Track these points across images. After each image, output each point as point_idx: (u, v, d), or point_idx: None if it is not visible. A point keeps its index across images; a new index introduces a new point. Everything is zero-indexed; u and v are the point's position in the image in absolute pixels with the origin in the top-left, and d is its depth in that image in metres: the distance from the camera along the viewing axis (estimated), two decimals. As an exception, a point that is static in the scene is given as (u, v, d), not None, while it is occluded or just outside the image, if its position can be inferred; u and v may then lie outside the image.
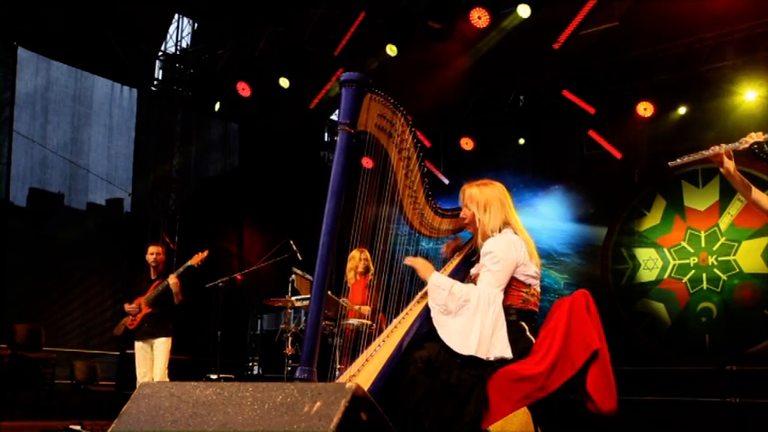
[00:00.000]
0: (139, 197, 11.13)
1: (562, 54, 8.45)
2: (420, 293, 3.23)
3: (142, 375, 6.42)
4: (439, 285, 3.02)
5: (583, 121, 9.70)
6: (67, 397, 8.78)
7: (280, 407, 2.15)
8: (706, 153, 3.23)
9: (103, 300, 10.78)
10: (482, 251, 3.10)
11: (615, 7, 8.20)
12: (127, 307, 6.52)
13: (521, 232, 3.16)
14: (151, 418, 2.31)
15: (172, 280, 6.37)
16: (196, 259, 6.45)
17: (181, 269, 6.44)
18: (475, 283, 3.07)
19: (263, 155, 11.52)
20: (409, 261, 3.20)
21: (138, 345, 6.47)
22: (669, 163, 3.32)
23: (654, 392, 8.05)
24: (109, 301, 10.82)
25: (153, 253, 6.64)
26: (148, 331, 6.43)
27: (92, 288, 10.64)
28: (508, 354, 2.91)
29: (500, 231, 3.14)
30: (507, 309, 3.05)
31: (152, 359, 6.46)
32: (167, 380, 6.16)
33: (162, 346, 6.41)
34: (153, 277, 6.63)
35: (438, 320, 2.97)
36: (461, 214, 3.26)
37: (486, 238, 3.14)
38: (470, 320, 2.89)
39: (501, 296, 2.99)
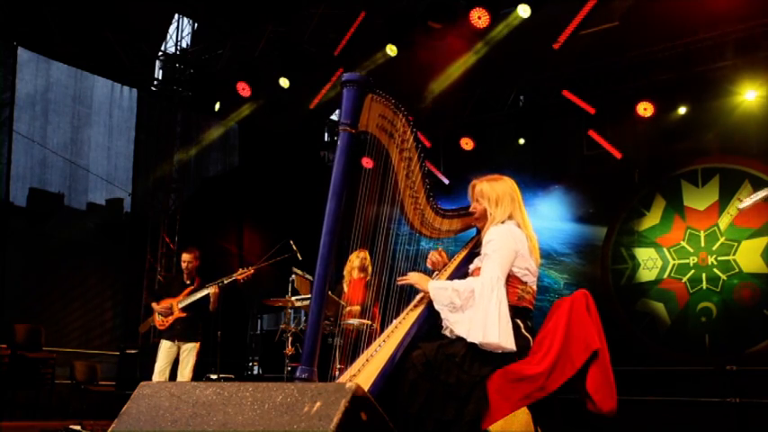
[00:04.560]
0: (139, 197, 11.13)
1: (562, 54, 8.45)
2: (420, 294, 3.23)
3: (161, 369, 6.52)
4: (440, 287, 3.04)
5: (583, 121, 9.69)
6: (67, 397, 8.78)
7: (280, 407, 2.15)
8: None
9: (103, 300, 10.79)
10: (484, 240, 3.11)
11: (615, 7, 8.20)
12: (156, 307, 6.61)
13: (525, 228, 3.17)
14: (151, 418, 2.31)
15: (213, 290, 6.43)
16: (241, 275, 6.50)
17: (226, 281, 6.50)
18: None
19: (263, 155, 11.52)
20: (402, 280, 3.19)
21: (167, 344, 6.57)
22: (738, 207, 3.51)
23: (654, 392, 8.05)
24: (109, 301, 10.82)
25: (185, 261, 6.75)
26: (180, 333, 6.54)
27: (92, 288, 10.64)
28: (512, 346, 2.91)
29: (503, 223, 3.15)
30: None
31: (176, 359, 6.58)
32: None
33: (192, 351, 6.57)
34: (187, 282, 6.73)
35: (449, 319, 2.98)
36: (471, 208, 3.26)
37: None
38: (483, 309, 2.88)
39: (503, 281, 2.98)
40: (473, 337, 2.87)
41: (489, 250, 3.04)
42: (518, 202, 3.21)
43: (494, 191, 3.20)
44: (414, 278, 3.17)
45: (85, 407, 8.29)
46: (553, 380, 2.87)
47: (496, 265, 2.99)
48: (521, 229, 3.14)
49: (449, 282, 3.07)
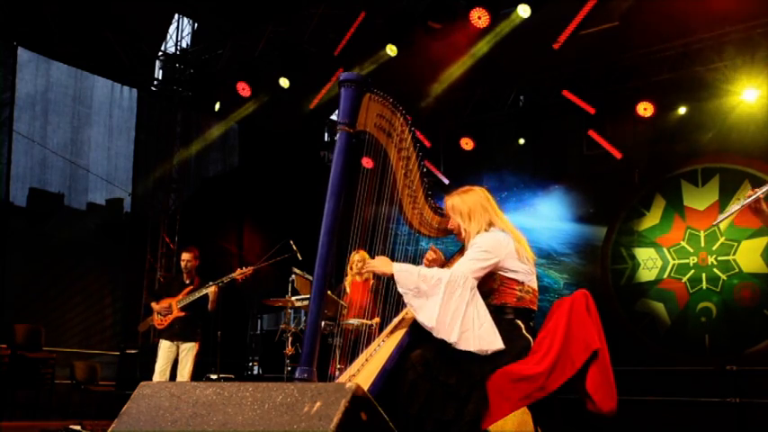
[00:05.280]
0: (139, 197, 11.13)
1: (562, 54, 8.45)
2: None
3: (161, 369, 6.55)
4: (406, 270, 2.98)
5: (583, 121, 9.70)
6: (67, 397, 8.78)
7: (280, 407, 2.15)
8: (745, 202, 3.36)
9: (103, 300, 10.78)
10: (469, 244, 3.11)
11: (615, 7, 8.20)
12: (156, 306, 6.65)
13: (510, 231, 3.16)
14: (151, 418, 2.31)
15: (212, 289, 6.46)
16: (240, 274, 6.52)
17: (225, 280, 6.52)
18: None
19: (262, 155, 11.52)
20: (367, 267, 3.14)
21: (166, 344, 6.61)
22: (714, 223, 3.49)
23: (654, 392, 8.05)
24: (109, 302, 10.81)
25: (185, 260, 6.80)
26: (178, 333, 6.59)
27: (91, 288, 10.63)
28: (499, 344, 2.89)
29: (486, 231, 3.15)
30: (502, 307, 3.05)
31: (176, 360, 6.61)
32: None
33: (191, 350, 6.61)
34: (186, 281, 6.77)
35: (412, 304, 2.93)
36: (449, 225, 3.26)
37: None
38: (444, 301, 2.86)
39: (474, 282, 2.95)
40: (428, 323, 2.85)
41: (471, 251, 3.06)
42: (493, 209, 3.20)
43: (465, 204, 3.19)
44: (375, 263, 3.09)
45: (85, 407, 8.29)
46: (553, 380, 2.87)
47: (472, 265, 2.99)
48: (505, 233, 3.13)
49: (415, 267, 3.03)
